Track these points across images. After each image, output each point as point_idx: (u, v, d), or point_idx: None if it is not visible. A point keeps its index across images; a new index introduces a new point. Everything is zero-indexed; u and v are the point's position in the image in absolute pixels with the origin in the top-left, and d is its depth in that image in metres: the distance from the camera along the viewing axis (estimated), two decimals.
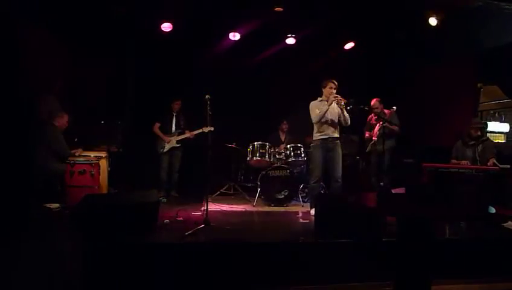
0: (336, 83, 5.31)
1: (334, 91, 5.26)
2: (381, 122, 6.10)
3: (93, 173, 4.84)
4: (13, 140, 4.86)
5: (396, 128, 6.14)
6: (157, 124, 6.45)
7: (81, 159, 4.94)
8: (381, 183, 6.12)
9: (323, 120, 5.27)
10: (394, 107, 6.17)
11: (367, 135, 6.46)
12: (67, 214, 4.46)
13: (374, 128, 6.33)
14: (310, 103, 5.44)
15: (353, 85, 5.45)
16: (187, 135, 6.47)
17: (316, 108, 5.33)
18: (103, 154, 5.31)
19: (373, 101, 6.28)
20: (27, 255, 2.92)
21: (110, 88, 6.79)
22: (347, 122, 5.37)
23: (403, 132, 6.56)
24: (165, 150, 6.38)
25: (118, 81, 6.99)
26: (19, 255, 2.87)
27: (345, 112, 5.27)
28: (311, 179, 5.39)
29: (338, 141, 5.36)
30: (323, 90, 5.37)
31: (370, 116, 6.42)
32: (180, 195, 6.55)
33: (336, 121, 5.35)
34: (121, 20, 6.11)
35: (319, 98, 5.40)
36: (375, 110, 6.20)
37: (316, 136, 5.37)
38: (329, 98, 5.22)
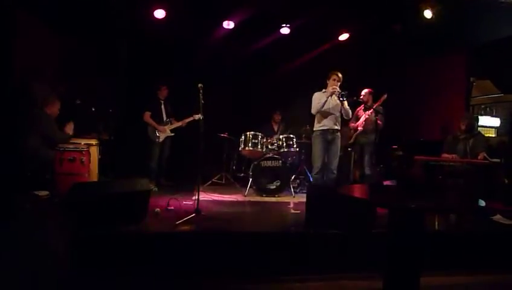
0: (340, 75, 5.26)
1: (337, 83, 5.23)
2: (368, 113, 6.09)
3: (83, 160, 4.78)
4: (3, 127, 4.79)
5: (380, 123, 6.01)
6: (148, 113, 6.30)
7: (71, 146, 4.87)
8: (367, 173, 6.15)
9: (323, 111, 5.28)
10: (385, 95, 6.12)
11: (351, 124, 6.40)
12: (56, 201, 4.41)
13: (360, 118, 6.30)
14: (303, 93, 5.42)
15: (346, 77, 5.41)
16: (180, 123, 6.39)
17: (316, 99, 5.34)
18: (94, 141, 5.24)
19: (363, 91, 6.26)
20: (14, 243, 2.89)
21: (102, 75, 6.70)
22: (348, 115, 5.42)
23: (395, 124, 6.55)
24: (160, 139, 6.28)
25: (110, 69, 6.90)
26: (5, 243, 2.83)
27: (345, 104, 5.27)
28: (313, 170, 5.44)
29: (338, 133, 5.38)
30: (327, 81, 5.35)
31: (359, 107, 6.40)
32: (172, 184, 6.50)
33: (337, 113, 5.35)
34: (113, 6, 6.01)
35: (323, 90, 5.38)
36: (362, 98, 6.14)
37: (317, 127, 5.39)
38: (328, 89, 5.23)
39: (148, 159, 6.28)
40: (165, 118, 6.40)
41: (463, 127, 5.48)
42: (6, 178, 4.47)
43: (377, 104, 6.10)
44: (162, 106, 6.43)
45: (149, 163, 6.25)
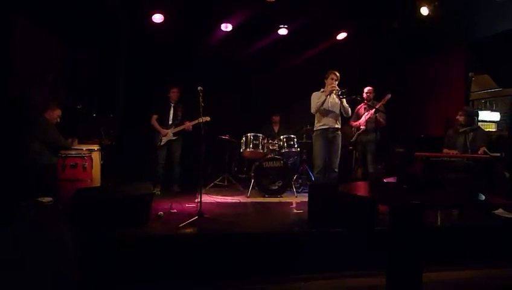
0: (338, 74, 5.29)
1: (335, 82, 5.26)
2: (370, 112, 6.10)
3: (85, 166, 4.78)
4: (4, 133, 4.82)
5: (382, 121, 6.03)
6: (155, 116, 6.22)
7: (73, 152, 4.88)
8: (371, 171, 6.16)
9: (322, 110, 5.29)
10: (389, 95, 6.13)
11: (353, 123, 6.42)
12: (60, 208, 4.43)
13: (362, 117, 6.32)
14: (303, 93, 5.45)
15: (344, 75, 5.43)
16: (184, 126, 6.24)
17: (315, 98, 5.36)
18: (95, 147, 5.26)
19: (368, 88, 6.27)
20: (17, 251, 2.91)
21: (102, 80, 6.73)
22: (347, 113, 5.45)
23: (395, 121, 6.56)
24: (162, 143, 6.18)
25: (110, 74, 6.93)
26: (9, 250, 2.85)
27: (344, 103, 5.30)
28: (314, 169, 5.46)
29: (339, 132, 5.42)
30: (325, 81, 5.37)
31: (359, 106, 6.42)
32: (182, 190, 6.38)
33: (337, 111, 5.38)
34: (113, 11, 6.04)
35: (322, 89, 5.40)
36: (369, 95, 6.19)
37: (317, 126, 5.42)
38: (327, 88, 5.25)
39: (154, 162, 6.22)
40: (170, 122, 6.26)
41: (461, 119, 5.51)
42: (10, 185, 4.50)
43: (380, 104, 6.11)
44: (171, 109, 6.28)
45: (154, 167, 6.20)
